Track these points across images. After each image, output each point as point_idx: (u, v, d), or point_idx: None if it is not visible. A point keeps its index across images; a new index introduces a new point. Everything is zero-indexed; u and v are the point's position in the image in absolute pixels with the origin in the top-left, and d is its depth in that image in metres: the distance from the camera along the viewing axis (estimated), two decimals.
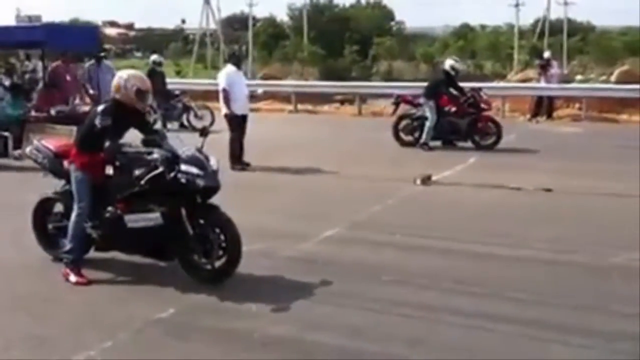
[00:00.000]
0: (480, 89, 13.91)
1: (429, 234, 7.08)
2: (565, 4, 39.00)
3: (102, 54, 14.25)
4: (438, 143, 12.87)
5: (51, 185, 6.22)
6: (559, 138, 14.83)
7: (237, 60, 11.44)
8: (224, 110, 10.80)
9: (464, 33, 51.25)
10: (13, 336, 4.69)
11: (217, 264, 5.56)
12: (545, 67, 18.80)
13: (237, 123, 10.74)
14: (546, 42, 34.66)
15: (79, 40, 14.63)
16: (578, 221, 7.68)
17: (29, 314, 5.08)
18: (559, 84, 18.62)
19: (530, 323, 4.79)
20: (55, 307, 5.23)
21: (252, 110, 11.90)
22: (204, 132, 5.91)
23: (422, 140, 12.74)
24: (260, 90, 14.66)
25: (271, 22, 51.57)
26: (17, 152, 10.77)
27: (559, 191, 9.02)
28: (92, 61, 13.74)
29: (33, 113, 11.77)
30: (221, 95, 10.79)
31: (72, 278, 5.64)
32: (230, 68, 11.03)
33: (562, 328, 4.72)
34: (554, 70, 18.88)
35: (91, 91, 13.25)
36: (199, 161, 5.55)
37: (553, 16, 42.43)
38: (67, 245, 5.76)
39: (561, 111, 18.65)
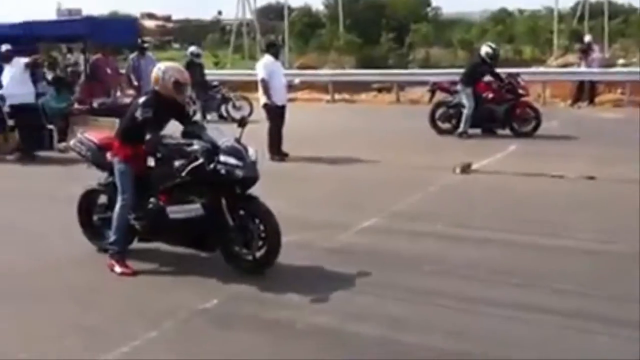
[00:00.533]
0: (517, 74, 13.67)
1: (470, 224, 7.05)
2: None
3: (146, 45, 14.44)
4: (478, 131, 12.73)
5: (95, 177, 6.35)
6: (601, 124, 14.54)
7: (275, 50, 11.36)
8: (263, 100, 10.81)
9: (502, 18, 50.36)
10: (65, 325, 4.82)
11: (258, 254, 5.62)
12: (586, 51, 18.41)
13: (277, 113, 10.76)
14: (586, 25, 33.80)
15: (120, 34, 14.86)
16: (621, 210, 7.54)
17: (78, 303, 5.22)
18: (600, 69, 18.24)
19: (573, 315, 4.74)
20: (101, 298, 5.36)
21: (289, 100, 11.93)
22: (242, 123, 5.93)
23: (460, 129, 12.58)
24: (297, 80, 14.62)
25: (306, 11, 51.41)
26: (62, 145, 10.99)
27: (601, 179, 8.87)
28: (136, 53, 13.95)
29: (76, 106, 12.02)
30: (260, 86, 10.81)
31: (117, 269, 5.76)
32: (268, 58, 11.00)
33: (605, 319, 4.66)
34: (595, 54, 18.47)
35: (135, 82, 13.46)
36: (238, 152, 5.59)
37: None
38: (112, 236, 5.87)
39: (603, 96, 18.26)
